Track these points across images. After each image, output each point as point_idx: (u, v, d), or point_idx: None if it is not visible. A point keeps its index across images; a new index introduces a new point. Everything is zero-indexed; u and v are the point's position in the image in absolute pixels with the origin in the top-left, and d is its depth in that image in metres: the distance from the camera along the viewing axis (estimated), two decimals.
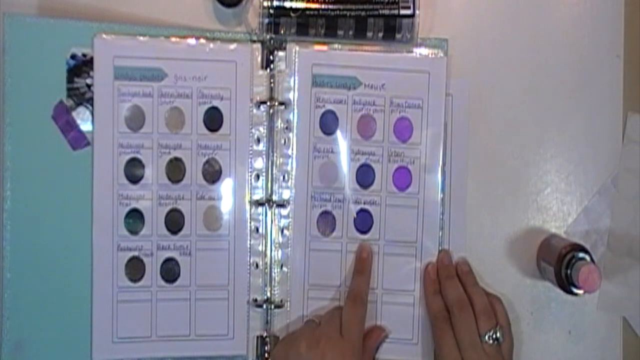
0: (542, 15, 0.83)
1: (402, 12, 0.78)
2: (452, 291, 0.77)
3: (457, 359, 0.73)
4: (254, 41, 0.79)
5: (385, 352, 0.80)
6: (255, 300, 0.79)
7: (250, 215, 0.79)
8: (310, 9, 0.78)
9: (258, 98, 0.79)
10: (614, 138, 0.83)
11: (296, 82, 0.79)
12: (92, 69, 0.77)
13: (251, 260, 0.79)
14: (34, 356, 0.76)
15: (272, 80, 0.79)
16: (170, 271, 0.78)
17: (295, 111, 0.79)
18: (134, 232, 0.78)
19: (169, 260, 0.78)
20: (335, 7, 0.77)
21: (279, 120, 0.79)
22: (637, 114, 0.83)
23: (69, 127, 0.76)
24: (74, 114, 0.77)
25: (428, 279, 0.79)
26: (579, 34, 0.83)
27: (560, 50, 0.83)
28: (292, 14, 0.77)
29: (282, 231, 0.79)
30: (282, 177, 0.79)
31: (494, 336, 0.74)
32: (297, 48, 0.79)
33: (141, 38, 0.77)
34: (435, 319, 0.77)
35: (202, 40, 0.78)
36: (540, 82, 0.83)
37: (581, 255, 0.76)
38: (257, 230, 0.79)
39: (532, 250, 0.82)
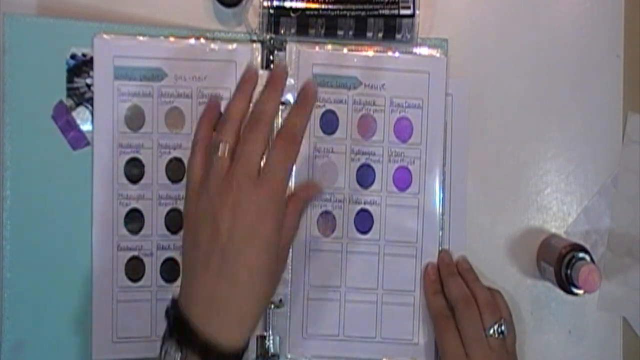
0: (542, 15, 0.83)
1: (402, 12, 0.78)
2: (455, 288, 0.77)
3: (462, 355, 0.73)
4: (254, 41, 0.79)
5: (385, 352, 0.80)
6: None
7: None
8: (310, 9, 0.78)
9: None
10: (614, 138, 0.83)
11: (297, 81, 0.79)
12: (92, 68, 0.77)
13: None
14: (33, 356, 0.76)
15: None
16: (170, 271, 0.78)
17: None
18: (133, 231, 0.78)
19: (169, 260, 0.78)
20: (335, 7, 0.77)
21: (279, 120, 0.79)
22: (637, 114, 0.83)
23: (68, 127, 0.76)
24: (73, 113, 0.77)
25: (428, 280, 0.79)
26: (579, 34, 0.83)
27: (560, 50, 0.83)
28: (292, 14, 0.78)
29: None
30: None
31: (499, 330, 0.74)
32: (297, 48, 0.79)
33: (141, 38, 0.77)
34: (437, 318, 0.77)
35: (202, 40, 0.78)
36: (540, 82, 0.83)
37: (581, 255, 0.76)
38: None
39: (532, 250, 0.82)
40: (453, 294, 0.77)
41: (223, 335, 0.59)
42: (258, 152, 0.61)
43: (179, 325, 0.60)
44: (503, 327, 0.74)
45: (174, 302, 0.62)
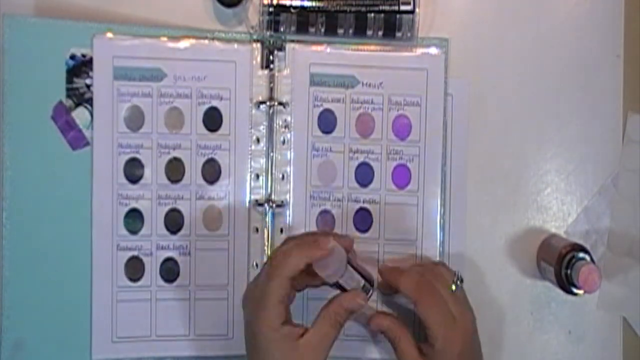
0: (542, 15, 0.83)
1: (402, 7, 0.77)
2: (414, 271, 0.74)
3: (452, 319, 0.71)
4: (254, 40, 0.79)
5: (387, 351, 0.79)
6: None
7: (250, 215, 0.79)
8: (310, 6, 0.77)
9: (258, 98, 0.79)
10: (614, 138, 0.83)
11: (294, 81, 0.79)
12: (91, 69, 0.77)
13: (251, 260, 0.79)
14: (33, 355, 0.76)
15: (271, 80, 0.79)
16: (169, 271, 0.78)
17: (293, 110, 0.79)
18: (133, 231, 0.78)
19: (168, 260, 0.78)
20: (335, 2, 0.77)
21: (278, 120, 0.79)
22: (637, 114, 0.83)
23: (68, 127, 0.77)
24: (73, 114, 0.77)
25: (387, 269, 0.76)
26: (579, 34, 0.83)
27: (560, 50, 0.83)
28: (292, 11, 0.77)
29: (281, 231, 0.79)
30: (281, 177, 0.79)
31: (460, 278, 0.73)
32: (295, 47, 0.79)
33: (141, 38, 0.77)
34: (421, 287, 0.72)
35: (202, 40, 0.79)
36: (540, 82, 0.83)
37: (581, 255, 0.76)
38: (257, 230, 0.79)
39: (532, 250, 0.82)
40: (415, 273, 0.74)
41: None
42: None
43: None
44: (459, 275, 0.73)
45: None
